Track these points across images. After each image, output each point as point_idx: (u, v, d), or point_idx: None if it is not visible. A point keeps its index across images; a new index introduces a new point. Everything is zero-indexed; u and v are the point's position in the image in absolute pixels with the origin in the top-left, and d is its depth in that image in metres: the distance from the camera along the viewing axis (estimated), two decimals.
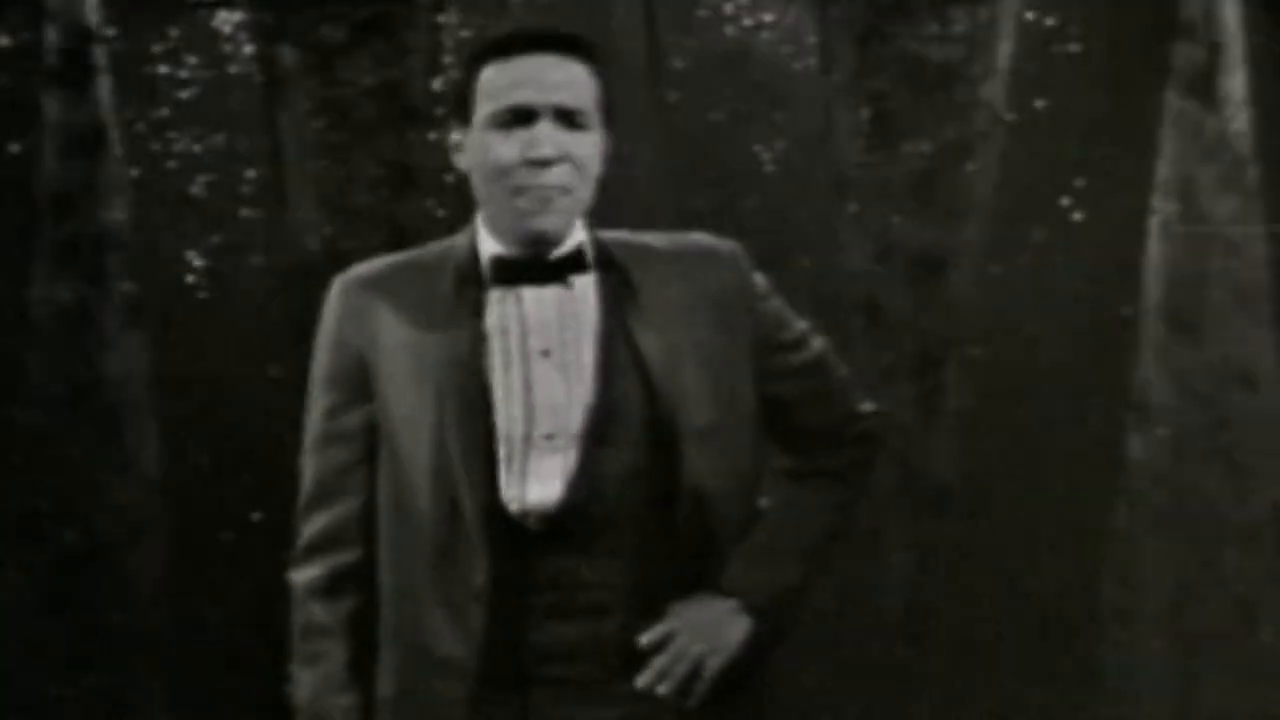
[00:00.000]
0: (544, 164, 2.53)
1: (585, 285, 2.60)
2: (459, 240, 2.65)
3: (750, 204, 5.28)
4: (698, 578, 2.57)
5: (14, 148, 5.47)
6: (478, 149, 2.57)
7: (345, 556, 2.65)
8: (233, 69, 5.50)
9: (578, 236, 2.61)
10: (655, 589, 2.55)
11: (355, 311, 2.63)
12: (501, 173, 2.54)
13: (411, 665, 2.58)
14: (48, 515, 5.35)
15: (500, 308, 2.57)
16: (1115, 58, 5.51)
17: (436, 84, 5.47)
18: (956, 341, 5.41)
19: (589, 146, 2.57)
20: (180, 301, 5.44)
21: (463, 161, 2.64)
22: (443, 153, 5.45)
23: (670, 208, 5.22)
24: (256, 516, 5.24)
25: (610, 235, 2.66)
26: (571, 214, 2.58)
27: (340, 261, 5.46)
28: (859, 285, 5.40)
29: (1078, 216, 5.46)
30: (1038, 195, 5.48)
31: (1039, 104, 5.47)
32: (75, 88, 5.52)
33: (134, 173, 5.48)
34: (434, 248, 2.68)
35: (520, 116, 2.54)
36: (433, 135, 5.47)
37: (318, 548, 2.68)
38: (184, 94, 5.49)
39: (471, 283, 2.59)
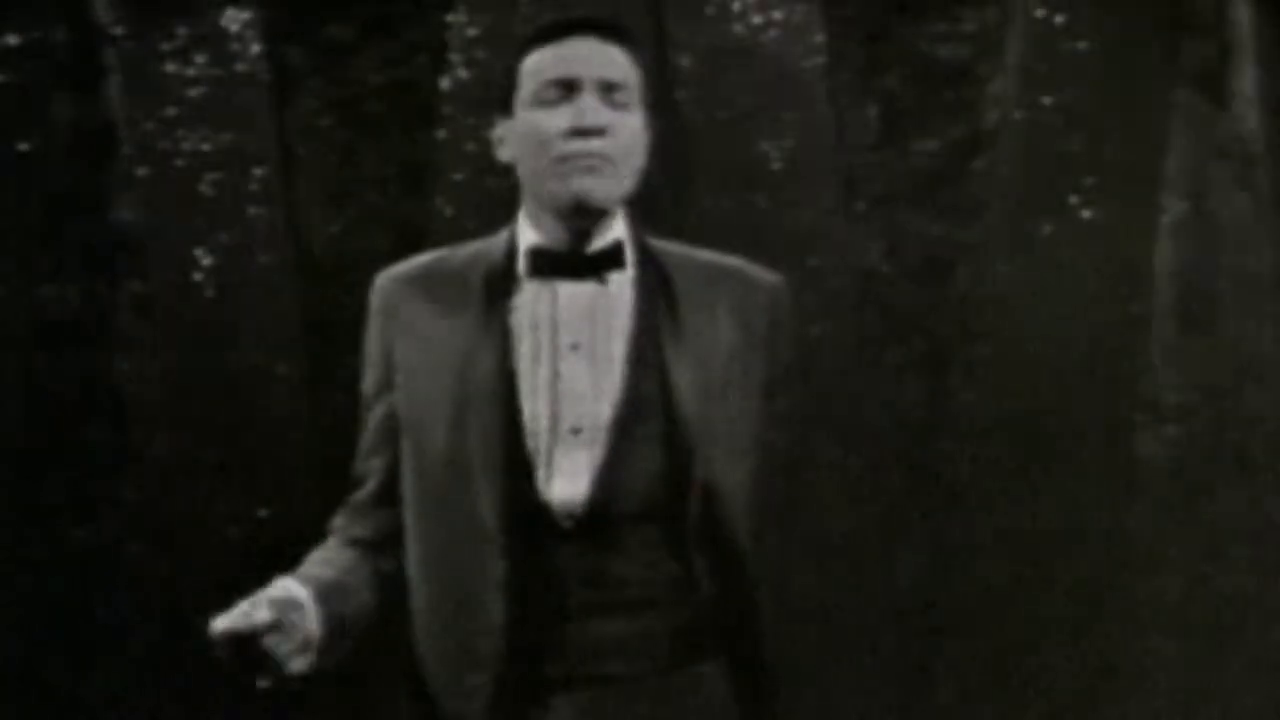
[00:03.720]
0: (588, 133, 2.56)
1: (622, 282, 2.62)
2: (498, 236, 2.68)
3: (758, 202, 5.28)
4: (729, 571, 2.58)
5: (23, 146, 5.48)
6: (522, 129, 2.60)
7: (361, 530, 2.68)
8: (241, 68, 5.51)
9: (617, 230, 2.63)
10: (694, 582, 2.56)
11: (385, 306, 2.68)
12: (546, 144, 2.57)
13: (437, 656, 2.59)
14: (57, 512, 5.36)
15: (533, 301, 2.60)
16: (1125, 56, 5.51)
17: (444, 82, 5.48)
18: (965, 339, 5.40)
19: (632, 125, 2.60)
20: (189, 299, 5.46)
21: (505, 153, 2.67)
22: (450, 151, 5.49)
23: (677, 205, 5.21)
24: (263, 513, 5.25)
25: (656, 240, 2.68)
26: (615, 187, 2.59)
27: (347, 260, 5.48)
28: (868, 283, 5.39)
29: (1087, 214, 5.46)
30: (1047, 193, 5.48)
31: (1048, 102, 5.47)
32: (84, 87, 5.53)
33: (142, 171, 5.50)
34: (473, 244, 2.71)
35: (565, 89, 2.57)
36: (440, 133, 5.48)
37: (349, 514, 2.71)
38: (192, 92, 5.51)
39: (504, 276, 2.61)
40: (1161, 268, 5.44)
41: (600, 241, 2.64)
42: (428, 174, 5.48)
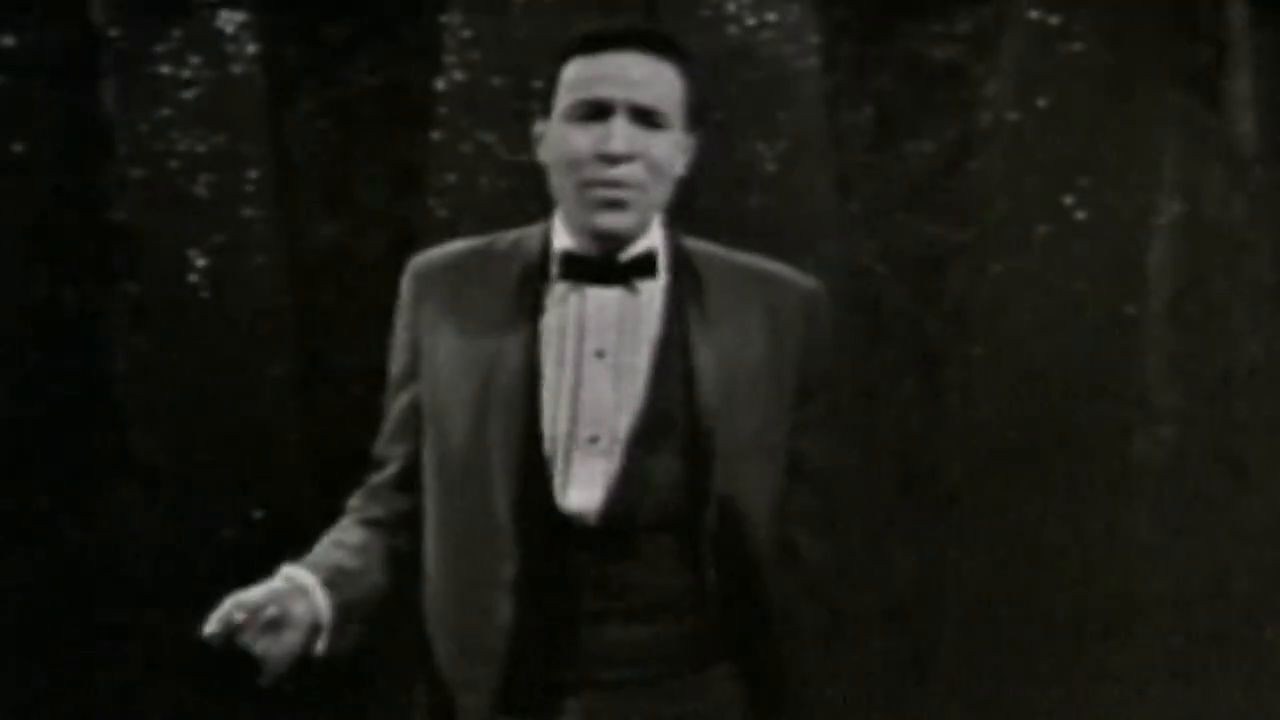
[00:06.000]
0: (615, 160, 2.54)
1: (652, 290, 2.61)
2: (534, 231, 2.67)
3: (752, 203, 5.27)
4: (743, 581, 2.58)
5: (17, 148, 5.47)
6: (555, 141, 2.60)
7: (377, 511, 2.68)
8: (236, 69, 5.50)
9: (652, 239, 2.62)
10: (708, 593, 2.55)
11: (416, 294, 2.68)
12: (574, 165, 2.57)
13: (447, 649, 2.59)
14: (49, 513, 5.35)
15: (561, 305, 2.59)
16: (1120, 57, 5.50)
17: (439, 84, 5.47)
18: (959, 341, 5.40)
19: (666, 146, 2.59)
20: (183, 300, 5.45)
21: (542, 154, 2.66)
22: (446, 153, 5.47)
23: (671, 206, 5.20)
24: (258, 515, 5.25)
25: (694, 242, 2.67)
26: (642, 213, 2.59)
27: (343, 261, 5.47)
28: (861, 285, 5.40)
29: (1081, 216, 5.45)
30: (1041, 194, 5.47)
31: (1042, 103, 5.46)
32: (78, 88, 5.52)
33: (137, 173, 5.49)
34: (509, 236, 2.70)
35: (597, 111, 2.56)
36: (436, 135, 5.48)
37: (366, 495, 2.71)
38: (187, 94, 5.49)
39: (536, 277, 2.61)
40: (1156, 269, 5.44)
41: (633, 249, 2.64)
42: (423, 175, 5.48)
